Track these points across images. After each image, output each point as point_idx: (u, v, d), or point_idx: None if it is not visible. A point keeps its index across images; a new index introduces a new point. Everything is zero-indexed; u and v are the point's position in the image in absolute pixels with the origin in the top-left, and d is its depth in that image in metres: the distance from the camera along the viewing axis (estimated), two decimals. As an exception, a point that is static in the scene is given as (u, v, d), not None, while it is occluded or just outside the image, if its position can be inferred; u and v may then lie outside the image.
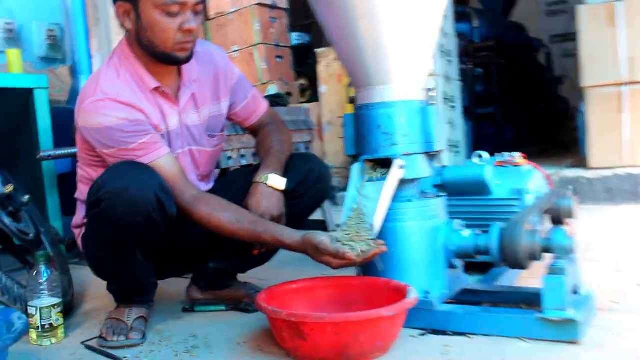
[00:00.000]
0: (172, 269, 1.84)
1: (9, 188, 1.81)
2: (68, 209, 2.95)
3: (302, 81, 5.31)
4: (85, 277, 2.25)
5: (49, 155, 2.51)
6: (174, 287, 2.11)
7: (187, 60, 1.63)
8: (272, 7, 4.68)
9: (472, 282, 1.87)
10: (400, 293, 1.48)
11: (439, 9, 1.61)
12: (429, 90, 1.61)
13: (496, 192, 2.04)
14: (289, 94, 4.54)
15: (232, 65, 1.85)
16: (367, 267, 1.63)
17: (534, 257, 1.55)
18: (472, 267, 1.98)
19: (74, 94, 3.04)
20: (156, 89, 1.65)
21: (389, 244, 1.59)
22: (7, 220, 1.74)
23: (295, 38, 6.00)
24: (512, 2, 7.24)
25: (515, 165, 2.11)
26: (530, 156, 5.51)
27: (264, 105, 1.90)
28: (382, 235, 1.53)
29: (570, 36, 9.78)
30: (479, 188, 2.02)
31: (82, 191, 1.76)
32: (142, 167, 1.53)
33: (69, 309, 1.87)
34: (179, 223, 1.60)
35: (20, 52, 2.73)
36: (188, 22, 1.56)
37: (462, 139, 4.11)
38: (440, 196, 1.69)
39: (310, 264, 1.58)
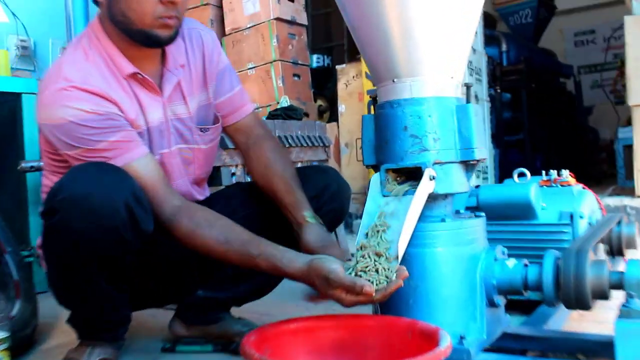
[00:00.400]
0: (152, 298, 1.53)
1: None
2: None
3: (321, 102, 5.04)
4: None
5: (32, 167, 2.24)
6: (155, 319, 1.79)
7: (171, 40, 1.34)
8: (292, 22, 4.43)
9: (514, 324, 1.53)
10: (428, 338, 1.15)
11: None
12: (467, 86, 1.29)
13: (542, 216, 1.72)
14: (306, 114, 4.27)
15: (222, 50, 1.57)
16: (387, 302, 1.30)
17: (602, 295, 1.23)
18: (511, 306, 1.65)
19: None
20: (133, 76, 1.36)
21: (415, 275, 1.28)
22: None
23: (316, 60, 5.77)
24: (542, 27, 6.95)
25: (564, 185, 1.78)
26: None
27: (250, 105, 1.60)
28: (406, 263, 1.21)
29: (599, 67, 9.56)
30: (522, 211, 1.70)
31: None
32: (112, 169, 1.24)
33: (28, 343, 1.57)
34: (159, 240, 1.30)
35: (7, 53, 2.49)
36: None
37: (490, 165, 3.81)
38: (480, 216, 1.37)
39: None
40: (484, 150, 1.32)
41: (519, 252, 1.68)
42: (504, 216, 1.72)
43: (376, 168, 1.40)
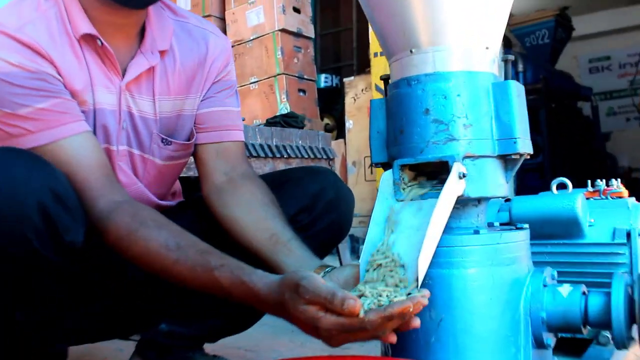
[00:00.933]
0: (104, 328, 1.20)
1: None
2: None
3: (328, 121, 4.76)
4: None
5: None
6: (120, 355, 1.47)
7: (149, 1, 1.06)
8: (298, 34, 4.17)
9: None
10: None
11: None
12: (506, 60, 0.98)
13: (591, 235, 1.40)
14: (294, 113, 3.97)
15: (232, 64, 1.27)
16: (400, 341, 0.98)
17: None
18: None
19: None
20: (88, 39, 1.07)
21: (439, 304, 0.96)
22: None
23: (324, 80, 5.54)
24: (559, 48, 6.70)
25: (616, 197, 1.47)
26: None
27: (241, 134, 1.25)
28: (426, 288, 0.90)
29: (615, 94, 9.31)
30: (567, 228, 1.38)
31: None
32: (22, 155, 0.93)
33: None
34: (100, 251, 0.99)
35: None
36: None
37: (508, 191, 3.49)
38: (522, 228, 1.06)
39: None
40: (528, 142, 1.02)
41: (564, 278, 1.38)
42: (543, 235, 1.40)
43: (387, 166, 1.10)
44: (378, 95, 3.54)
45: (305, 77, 4.25)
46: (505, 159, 1.01)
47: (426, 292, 0.81)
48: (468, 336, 0.96)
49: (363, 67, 5.97)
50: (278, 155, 2.15)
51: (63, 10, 1.05)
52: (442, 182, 0.97)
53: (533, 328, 0.98)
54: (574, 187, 1.40)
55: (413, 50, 1.01)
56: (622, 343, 0.96)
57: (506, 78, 1.04)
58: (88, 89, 1.07)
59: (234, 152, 1.20)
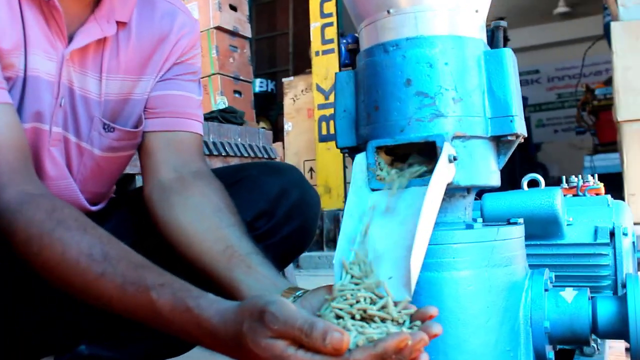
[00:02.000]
0: (4, 348, 0.96)
1: None
2: None
3: (264, 125, 4.57)
4: None
5: None
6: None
7: None
8: (234, 33, 3.97)
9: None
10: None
11: None
12: (496, 27, 0.82)
13: (570, 234, 1.27)
14: (233, 108, 3.77)
15: (198, 47, 1.07)
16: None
17: None
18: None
19: None
20: None
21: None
22: None
23: (259, 85, 5.36)
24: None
25: (594, 194, 1.35)
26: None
27: (200, 126, 1.06)
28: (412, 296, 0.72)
29: (543, 106, 9.57)
30: (546, 227, 1.24)
31: None
32: None
33: None
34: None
35: None
36: None
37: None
38: (517, 223, 0.91)
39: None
40: (523, 122, 0.87)
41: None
42: (519, 234, 1.26)
43: (355, 151, 0.93)
44: (319, 97, 3.39)
45: (242, 77, 4.06)
46: (499, 141, 0.86)
47: (433, 311, 0.63)
48: (461, 353, 0.79)
49: (299, 71, 5.84)
50: (215, 153, 1.94)
51: None
52: (425, 166, 0.81)
53: (534, 340, 0.83)
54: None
55: (391, 11, 0.84)
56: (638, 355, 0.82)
57: (496, 47, 0.88)
58: (20, 50, 0.85)
59: (189, 144, 0.99)
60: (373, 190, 0.82)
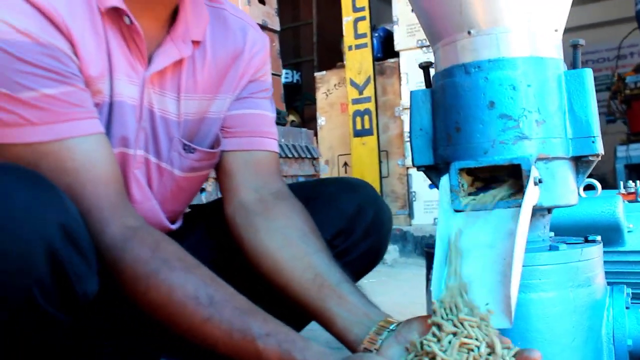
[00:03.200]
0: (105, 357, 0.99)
1: None
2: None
3: (293, 118, 4.59)
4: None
5: None
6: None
7: None
8: (263, 27, 3.96)
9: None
10: None
11: None
12: (575, 46, 0.82)
13: (631, 242, 1.27)
14: (278, 109, 3.80)
15: (269, 63, 1.07)
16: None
17: None
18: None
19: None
20: (115, 16, 0.86)
21: (513, 335, 0.80)
22: None
23: (285, 76, 5.37)
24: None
25: (654, 200, 1.35)
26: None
27: (276, 144, 1.05)
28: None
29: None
30: (608, 235, 1.25)
31: None
32: (24, 178, 0.70)
33: None
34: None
35: None
36: None
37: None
38: (595, 241, 0.91)
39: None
40: (601, 142, 0.87)
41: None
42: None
43: (432, 169, 0.94)
44: (352, 91, 3.39)
45: (273, 72, 4.06)
46: (579, 161, 0.86)
47: (537, 356, 0.65)
48: (547, 371, 0.80)
49: (324, 61, 5.82)
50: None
51: None
52: (504, 187, 0.82)
53: (617, 357, 0.84)
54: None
55: (472, 32, 0.85)
56: None
57: (575, 67, 0.89)
58: (106, 77, 0.86)
59: (267, 164, 0.99)
60: (456, 211, 0.83)
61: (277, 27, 4.15)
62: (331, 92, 3.59)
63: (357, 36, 3.41)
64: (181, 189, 0.99)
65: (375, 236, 1.04)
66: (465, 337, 0.68)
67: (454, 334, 0.69)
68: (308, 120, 5.31)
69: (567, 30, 0.91)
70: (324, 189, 1.05)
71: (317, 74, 3.77)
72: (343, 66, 3.53)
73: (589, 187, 1.36)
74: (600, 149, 0.84)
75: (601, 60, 8.41)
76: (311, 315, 0.83)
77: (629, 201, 1.37)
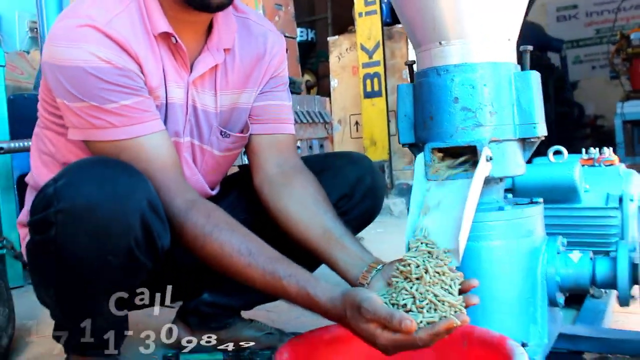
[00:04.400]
0: (150, 296, 1.29)
1: None
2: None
3: (308, 77, 4.82)
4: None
5: (1, 148, 1.98)
6: (153, 320, 1.58)
7: (221, 6, 1.10)
8: (278, -6, 4.17)
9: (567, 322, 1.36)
10: (490, 348, 0.97)
11: None
12: (524, 51, 1.08)
13: (587, 200, 1.53)
14: (293, 78, 4.03)
15: (285, 61, 1.32)
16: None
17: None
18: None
19: (40, 77, 2.51)
20: (165, 37, 1.12)
21: (468, 273, 1.07)
22: None
23: (300, 34, 5.55)
24: (530, 2, 6.77)
25: (609, 165, 1.60)
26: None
27: (292, 128, 1.29)
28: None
29: (581, 42, 9.47)
30: (565, 194, 1.51)
31: (35, 172, 1.24)
32: (122, 168, 0.98)
33: (4, 354, 1.35)
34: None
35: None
36: None
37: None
38: (537, 202, 1.18)
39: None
40: (544, 125, 1.13)
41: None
42: (544, 200, 1.53)
43: (413, 147, 1.21)
44: (363, 55, 3.61)
45: (287, 34, 4.26)
46: (525, 142, 1.12)
47: (475, 283, 0.92)
48: (495, 301, 1.09)
49: (338, 21, 6.00)
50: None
51: (142, 6, 1.10)
52: (467, 162, 1.08)
53: (548, 290, 1.12)
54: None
55: (442, 42, 1.10)
56: (626, 301, 1.11)
57: (523, 67, 1.14)
58: (162, 85, 1.12)
59: (286, 144, 1.25)
60: (429, 180, 1.10)
61: (292, -8, 4.35)
62: (343, 55, 3.81)
63: (367, 3, 3.60)
64: (219, 164, 1.26)
65: (371, 199, 1.30)
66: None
67: (417, 266, 0.95)
68: (322, 77, 5.52)
69: None
70: (332, 163, 1.31)
71: (329, 39, 3.98)
72: (354, 31, 3.74)
73: (557, 152, 1.62)
74: (540, 132, 1.10)
75: (606, 13, 8.39)
76: (322, 260, 1.10)
77: (589, 165, 1.63)
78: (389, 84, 3.53)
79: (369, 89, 3.54)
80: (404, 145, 1.22)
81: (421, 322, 0.87)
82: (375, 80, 3.52)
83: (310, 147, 2.41)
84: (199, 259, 1.02)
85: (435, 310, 0.88)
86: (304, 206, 1.15)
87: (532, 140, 1.11)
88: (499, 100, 1.09)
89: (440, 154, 1.12)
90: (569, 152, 1.63)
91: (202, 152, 1.22)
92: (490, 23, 1.09)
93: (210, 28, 1.18)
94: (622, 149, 3.90)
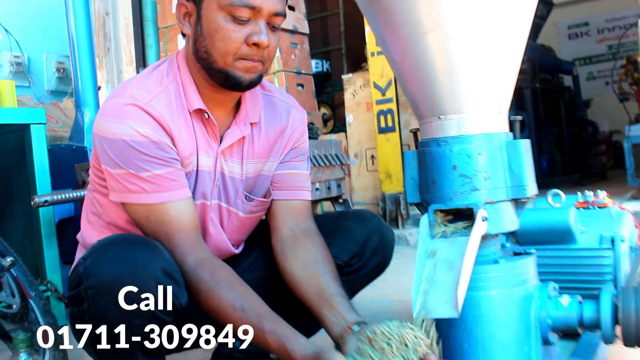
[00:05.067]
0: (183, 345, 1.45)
1: (-14, 251, 1.47)
2: (70, 257, 2.62)
3: (325, 110, 5.00)
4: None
5: (45, 201, 2.18)
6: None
7: (252, 84, 1.27)
8: (294, 32, 4.38)
9: (562, 353, 1.50)
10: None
11: (525, 18, 1.27)
12: (514, 121, 1.25)
13: (582, 241, 1.68)
14: (312, 124, 4.23)
15: (307, 134, 1.49)
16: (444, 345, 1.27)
17: (664, 334, 1.19)
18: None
19: (77, 129, 2.71)
20: (199, 112, 1.30)
21: (469, 319, 1.24)
22: (-17, 293, 1.39)
23: (315, 66, 5.74)
24: (539, 24, 6.92)
25: (602, 207, 1.75)
26: (572, 185, 5.10)
27: (309, 195, 1.46)
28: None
29: (594, 59, 9.57)
30: (562, 236, 1.66)
31: (84, 231, 1.43)
32: (140, 244, 1.16)
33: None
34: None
35: (14, 83, 2.42)
36: (258, 34, 1.21)
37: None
38: (531, 254, 1.33)
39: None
40: (534, 186, 1.28)
41: (560, 277, 1.66)
42: (542, 242, 1.68)
43: (419, 205, 1.37)
44: (376, 93, 3.79)
45: (303, 71, 4.47)
46: (517, 201, 1.28)
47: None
48: (492, 341, 1.24)
49: (352, 51, 6.19)
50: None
51: (180, 86, 1.28)
52: (467, 221, 1.24)
53: (541, 331, 1.27)
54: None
55: (441, 117, 1.27)
56: (609, 340, 1.25)
57: (515, 135, 1.30)
58: (194, 154, 1.29)
59: (301, 209, 1.42)
60: (432, 237, 1.26)
61: (307, 31, 4.55)
62: (357, 92, 3.99)
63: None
64: (243, 224, 1.43)
65: (380, 254, 1.46)
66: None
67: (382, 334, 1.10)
68: (338, 106, 5.69)
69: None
70: (342, 224, 1.46)
71: (344, 77, 4.17)
72: (367, 69, 3.92)
73: (556, 195, 1.77)
74: (529, 193, 1.25)
75: (617, 29, 8.45)
76: (315, 315, 1.25)
77: (584, 208, 1.77)
78: (402, 118, 3.70)
79: (382, 124, 3.72)
80: (411, 204, 1.38)
81: None
82: (389, 116, 3.70)
83: (329, 188, 2.57)
84: (203, 309, 1.20)
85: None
86: (306, 267, 1.31)
87: (522, 200, 1.27)
88: (493, 167, 1.24)
89: (442, 214, 1.29)
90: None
91: (229, 213, 1.39)
92: (483, 99, 1.25)
93: (238, 104, 1.36)
94: (633, 173, 4.00)
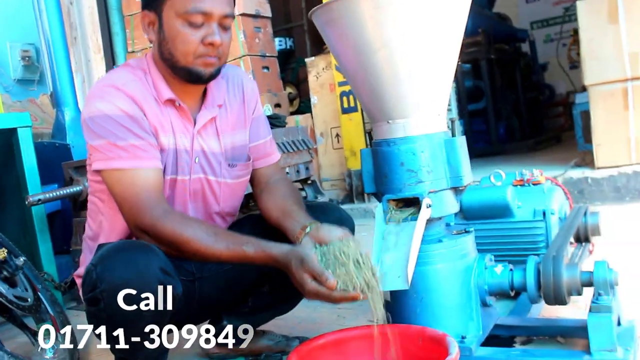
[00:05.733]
0: (185, 320, 1.68)
1: (3, 253, 1.67)
2: (60, 247, 2.82)
3: (290, 90, 5.19)
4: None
5: (39, 200, 2.36)
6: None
7: (211, 77, 1.51)
8: (256, 16, 4.54)
9: (502, 311, 1.77)
10: (437, 343, 1.37)
11: (456, 36, 1.49)
12: (452, 120, 1.49)
13: (518, 214, 1.94)
14: (278, 105, 4.42)
15: (259, 100, 1.75)
16: (397, 311, 1.52)
17: (575, 293, 1.46)
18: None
19: (58, 127, 2.87)
20: (170, 102, 1.52)
21: (420, 288, 1.49)
22: (3, 289, 1.60)
23: (278, 44, 5.88)
24: (495, -8, 7.13)
25: (536, 184, 2.01)
26: (527, 151, 5.35)
27: (276, 155, 1.77)
28: (412, 279, 1.42)
29: (550, 21, 9.81)
30: (501, 211, 1.93)
31: (90, 233, 1.63)
32: (139, 250, 1.34)
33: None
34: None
35: (-1, 90, 2.58)
36: (212, 35, 1.43)
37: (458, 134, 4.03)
38: (469, 232, 1.58)
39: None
40: (470, 175, 1.52)
41: (501, 247, 1.93)
42: (484, 216, 1.94)
43: (375, 195, 1.60)
44: (338, 75, 3.99)
45: (267, 54, 4.65)
46: (455, 189, 1.52)
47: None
48: (440, 307, 1.49)
49: (315, 29, 6.34)
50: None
51: (150, 79, 1.51)
52: (416, 208, 1.48)
53: (480, 296, 1.52)
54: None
55: (389, 121, 1.50)
56: (534, 300, 1.51)
57: (453, 135, 1.53)
58: (171, 136, 1.52)
59: (274, 167, 1.74)
60: (386, 223, 1.50)
61: (269, 14, 4.71)
62: (320, 75, 4.19)
63: (339, 27, 3.97)
64: (234, 191, 1.67)
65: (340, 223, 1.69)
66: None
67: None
68: (302, 82, 5.85)
69: None
70: (310, 214, 1.70)
71: (307, 60, 4.36)
72: (329, 51, 4.11)
73: (497, 175, 2.02)
74: (465, 182, 1.50)
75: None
76: (282, 231, 1.50)
77: (520, 185, 2.03)
78: (364, 98, 3.92)
79: (345, 105, 3.93)
80: (369, 194, 1.61)
81: (339, 286, 1.28)
82: (351, 97, 3.91)
83: (298, 171, 2.80)
84: (178, 247, 1.40)
85: (350, 282, 1.29)
86: (275, 201, 1.62)
87: (460, 188, 1.51)
88: (434, 162, 1.48)
89: (394, 202, 1.53)
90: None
91: (219, 185, 1.63)
92: (423, 105, 1.48)
93: (205, 92, 1.59)
94: (582, 138, 4.26)
